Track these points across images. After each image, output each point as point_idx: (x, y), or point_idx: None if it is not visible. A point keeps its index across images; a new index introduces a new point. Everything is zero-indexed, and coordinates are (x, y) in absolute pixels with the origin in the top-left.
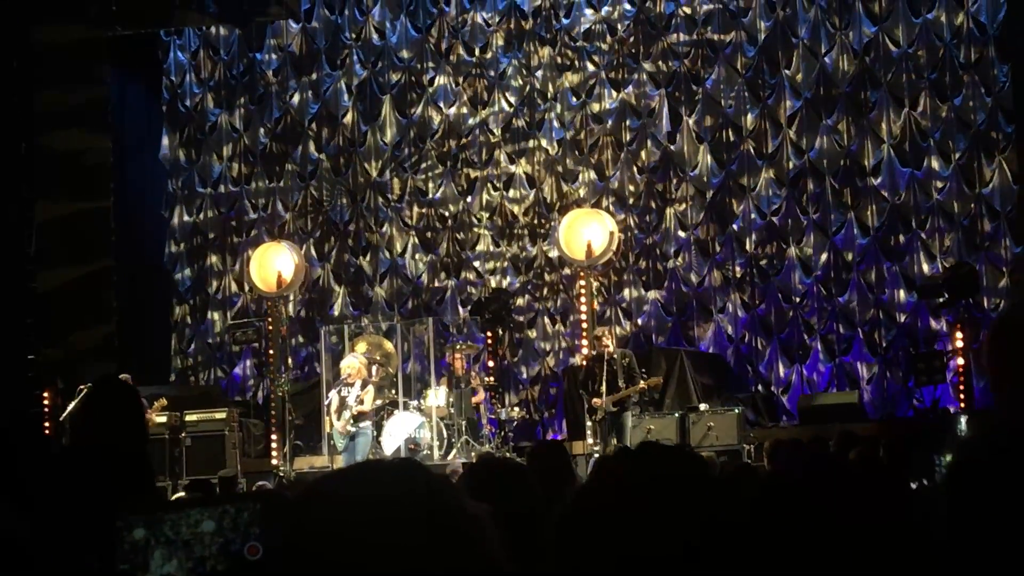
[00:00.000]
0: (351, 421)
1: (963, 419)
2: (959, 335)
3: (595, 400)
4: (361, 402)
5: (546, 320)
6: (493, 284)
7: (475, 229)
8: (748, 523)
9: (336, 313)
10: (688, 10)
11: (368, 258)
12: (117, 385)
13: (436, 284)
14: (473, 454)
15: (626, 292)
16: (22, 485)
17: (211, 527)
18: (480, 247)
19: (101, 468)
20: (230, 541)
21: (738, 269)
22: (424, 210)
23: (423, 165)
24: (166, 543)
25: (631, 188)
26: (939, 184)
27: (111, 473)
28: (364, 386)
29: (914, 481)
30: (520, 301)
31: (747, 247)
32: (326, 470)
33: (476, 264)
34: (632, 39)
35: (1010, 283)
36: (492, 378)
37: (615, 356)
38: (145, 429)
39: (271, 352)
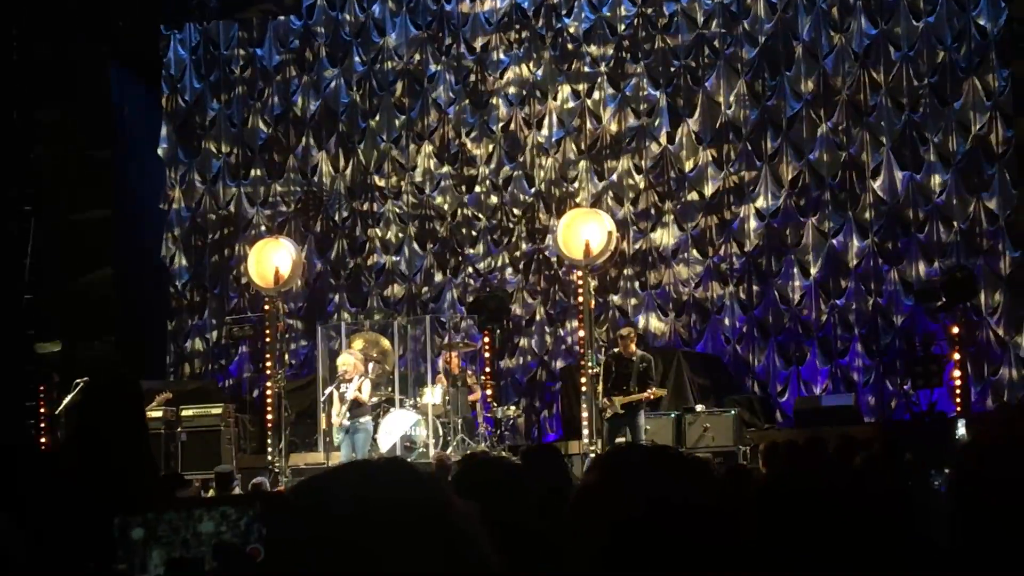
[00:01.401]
0: (346, 414)
1: (961, 423)
2: (957, 338)
3: (603, 400)
4: (360, 390)
5: (544, 319)
6: (491, 283)
7: (473, 228)
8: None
9: (334, 310)
10: (689, 10)
11: (366, 255)
12: (114, 377)
13: (433, 282)
14: (468, 452)
15: (624, 292)
16: (20, 499)
17: (210, 527)
18: (478, 246)
19: (98, 466)
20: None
21: (736, 271)
22: (422, 208)
23: (422, 162)
24: (165, 543)
25: (630, 188)
26: (938, 187)
27: (109, 471)
28: (361, 382)
29: (909, 482)
30: (518, 300)
31: (745, 248)
32: (321, 467)
33: (474, 263)
34: (632, 39)
35: None
36: (488, 376)
37: (633, 359)
38: (144, 422)
39: (268, 348)
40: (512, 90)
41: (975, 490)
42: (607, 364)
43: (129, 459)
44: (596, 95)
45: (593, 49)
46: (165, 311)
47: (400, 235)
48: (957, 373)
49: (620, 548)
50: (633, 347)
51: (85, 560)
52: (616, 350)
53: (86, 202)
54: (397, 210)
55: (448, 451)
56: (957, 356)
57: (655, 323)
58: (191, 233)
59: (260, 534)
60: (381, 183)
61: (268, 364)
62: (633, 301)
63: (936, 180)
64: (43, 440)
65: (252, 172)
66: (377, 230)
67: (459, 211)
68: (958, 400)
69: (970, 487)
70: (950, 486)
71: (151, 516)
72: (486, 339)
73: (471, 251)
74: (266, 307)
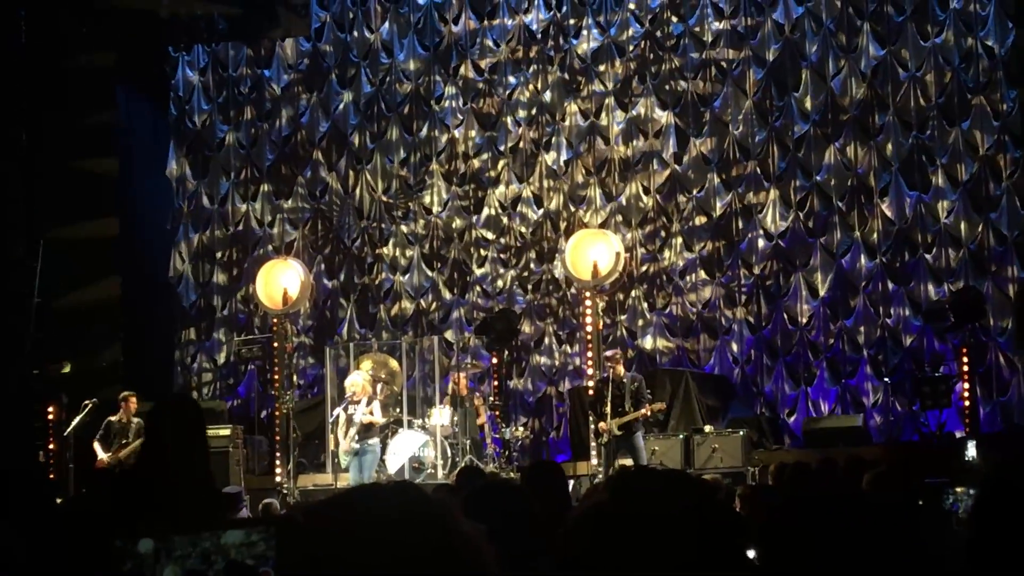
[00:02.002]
0: (355, 438)
1: (971, 444)
2: (965, 359)
3: (601, 424)
4: (371, 413)
5: (552, 340)
6: (499, 304)
7: (482, 248)
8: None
9: (343, 331)
10: (696, 32)
11: (375, 276)
12: (180, 399)
13: (441, 303)
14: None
15: (632, 313)
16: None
17: (227, 546)
18: (486, 267)
19: (166, 484)
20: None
21: (744, 291)
22: (430, 229)
23: (430, 183)
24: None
25: (638, 209)
26: (946, 208)
27: (175, 489)
28: (370, 403)
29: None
30: (526, 321)
31: (753, 269)
32: (330, 488)
33: (482, 283)
34: (640, 60)
35: None
36: (496, 398)
37: (624, 380)
38: (206, 443)
39: (276, 369)
40: (521, 111)
41: (1004, 511)
42: (598, 389)
43: (195, 478)
44: (604, 116)
45: (601, 70)
46: (172, 331)
47: (409, 256)
48: (966, 394)
49: (630, 568)
50: (621, 369)
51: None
52: (603, 374)
53: (93, 221)
54: (405, 230)
55: (455, 473)
56: (966, 377)
57: (663, 344)
58: (199, 253)
59: (273, 558)
60: (389, 202)
61: (276, 385)
62: (641, 322)
63: (944, 201)
64: (51, 460)
65: (260, 192)
66: (386, 250)
67: (468, 232)
68: (967, 421)
69: (998, 508)
70: (973, 506)
71: (163, 533)
72: (494, 360)
73: (479, 272)
74: (274, 328)
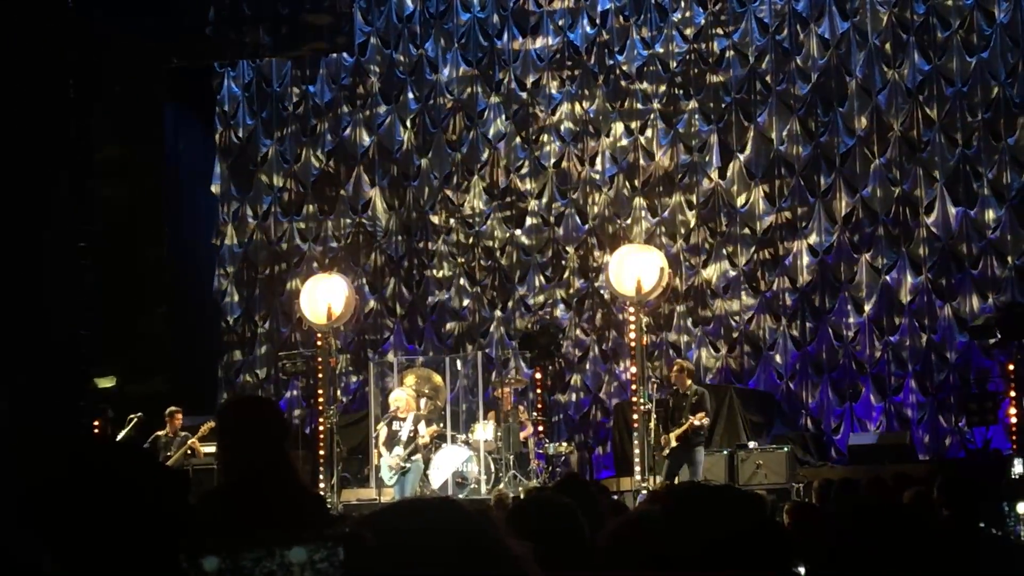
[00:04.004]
0: (402, 455)
1: (1018, 461)
2: (1012, 376)
3: (662, 437)
4: (418, 435)
5: (597, 355)
6: (543, 319)
7: (525, 264)
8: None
9: (387, 346)
10: (741, 46)
11: (419, 291)
12: (260, 404)
13: (484, 317)
14: (520, 488)
15: (676, 328)
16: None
17: (300, 558)
18: (530, 281)
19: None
20: None
21: (789, 307)
22: (474, 244)
23: (474, 198)
24: None
25: (682, 224)
26: (992, 223)
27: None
28: (417, 421)
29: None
30: (570, 336)
31: (798, 284)
32: (373, 503)
33: (526, 299)
34: (684, 75)
35: None
36: (540, 412)
37: (688, 393)
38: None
39: (320, 384)
40: (564, 126)
41: None
42: (664, 401)
43: (282, 481)
44: (648, 131)
45: (645, 86)
46: (217, 346)
47: (453, 271)
48: (1012, 411)
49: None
50: (688, 381)
51: None
52: (673, 387)
53: (142, 239)
54: (449, 247)
55: (500, 486)
56: (1013, 393)
57: (707, 359)
58: (243, 268)
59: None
60: (435, 220)
61: (320, 400)
62: (685, 337)
63: (990, 215)
64: None
65: (304, 208)
66: (431, 266)
67: (510, 247)
68: (1014, 438)
69: None
70: None
71: (229, 548)
72: (537, 375)
73: (523, 287)
74: (318, 343)
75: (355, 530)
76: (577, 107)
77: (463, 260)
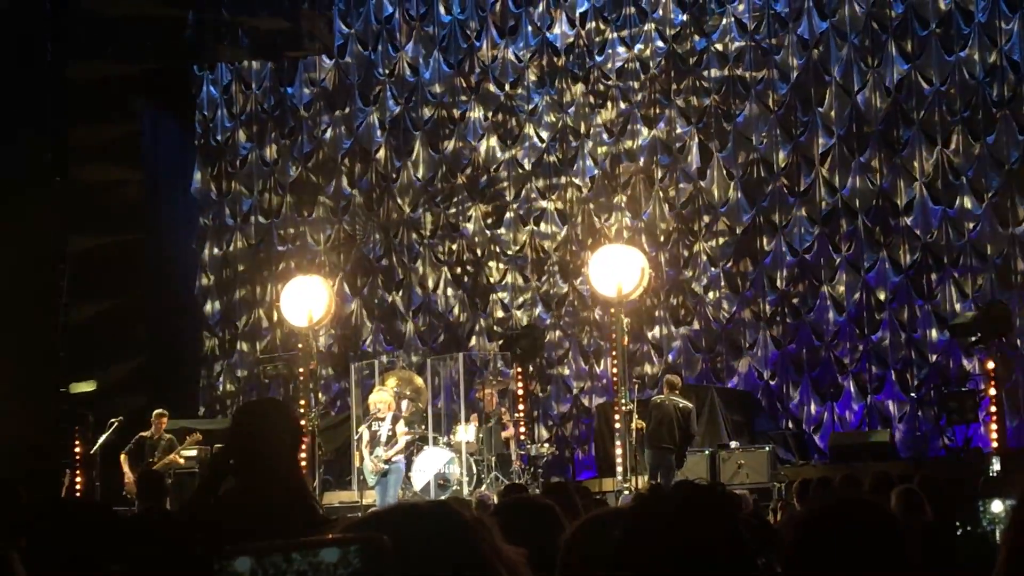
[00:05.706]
0: (385, 460)
1: (996, 460)
2: (992, 374)
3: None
4: (395, 442)
5: (578, 357)
6: (524, 320)
7: (505, 265)
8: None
9: (368, 348)
10: (720, 47)
11: (400, 293)
12: (277, 407)
13: (466, 319)
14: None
15: (656, 329)
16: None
17: (333, 558)
18: (510, 282)
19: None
20: None
21: (769, 306)
22: (455, 245)
23: (455, 200)
24: None
25: (662, 224)
26: (972, 222)
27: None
28: (395, 420)
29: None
30: (552, 337)
31: (778, 284)
32: (355, 505)
33: (506, 299)
34: (664, 76)
35: None
36: (522, 413)
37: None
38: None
39: (300, 386)
40: (545, 127)
41: None
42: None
43: (292, 488)
44: (628, 132)
45: (625, 86)
46: (196, 349)
47: (433, 272)
48: (993, 409)
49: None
50: (672, 393)
51: None
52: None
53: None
54: (430, 247)
55: (483, 488)
56: (992, 391)
57: (687, 360)
58: (222, 271)
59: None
60: (415, 221)
61: (302, 403)
62: (665, 337)
63: (970, 215)
64: (78, 480)
65: (283, 210)
66: (412, 268)
67: (491, 248)
68: (994, 436)
69: None
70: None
71: (260, 549)
72: (518, 375)
73: (502, 288)
74: (299, 345)
75: (372, 533)
76: (557, 108)
77: (444, 260)
